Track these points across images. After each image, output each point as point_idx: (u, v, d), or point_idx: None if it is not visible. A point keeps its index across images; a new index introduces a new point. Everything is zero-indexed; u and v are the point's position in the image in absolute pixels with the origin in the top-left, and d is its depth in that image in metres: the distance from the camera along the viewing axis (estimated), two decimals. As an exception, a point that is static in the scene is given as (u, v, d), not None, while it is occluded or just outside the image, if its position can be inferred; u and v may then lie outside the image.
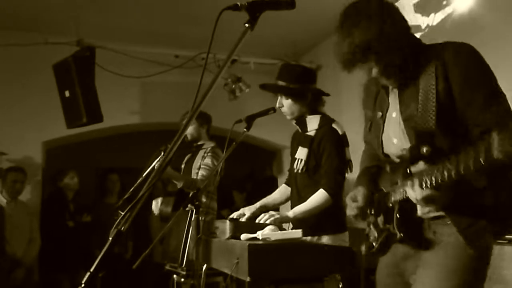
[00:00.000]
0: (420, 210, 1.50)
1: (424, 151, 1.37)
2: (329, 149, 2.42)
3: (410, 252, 1.56)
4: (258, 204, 2.62)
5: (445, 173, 1.22)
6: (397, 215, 1.50)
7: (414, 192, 1.35)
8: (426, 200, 1.33)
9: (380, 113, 1.64)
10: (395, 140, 1.58)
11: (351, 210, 1.66)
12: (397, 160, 1.59)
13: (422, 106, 1.44)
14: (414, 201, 1.37)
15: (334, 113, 2.67)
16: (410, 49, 1.46)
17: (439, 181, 1.25)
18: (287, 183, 2.80)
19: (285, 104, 2.52)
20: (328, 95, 2.58)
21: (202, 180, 3.60)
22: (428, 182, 1.29)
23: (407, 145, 1.52)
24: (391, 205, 1.54)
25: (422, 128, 1.42)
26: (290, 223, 2.52)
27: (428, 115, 1.42)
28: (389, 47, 1.41)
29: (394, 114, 1.58)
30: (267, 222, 2.25)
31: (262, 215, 2.32)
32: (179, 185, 3.63)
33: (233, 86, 4.79)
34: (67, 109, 4.35)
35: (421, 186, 1.32)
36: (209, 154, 3.79)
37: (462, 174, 1.16)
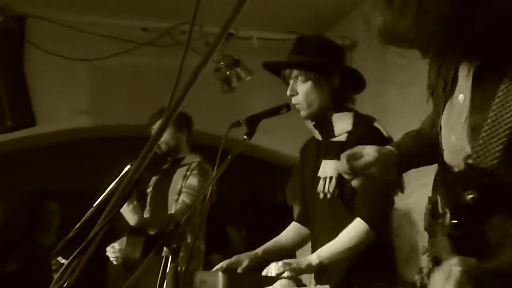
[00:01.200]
0: None
1: (469, 198, 1.36)
2: None
3: None
4: (260, 250, 2.62)
5: None
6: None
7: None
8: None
9: (443, 84, 1.61)
10: (454, 137, 1.56)
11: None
12: (455, 169, 1.58)
13: (491, 126, 1.39)
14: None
15: (376, 112, 2.68)
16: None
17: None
18: (299, 220, 2.80)
19: (301, 90, 2.54)
20: (362, 79, 2.59)
21: (183, 211, 3.62)
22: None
23: (469, 151, 1.50)
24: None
25: (479, 163, 1.39)
26: (314, 275, 2.51)
27: (494, 143, 1.38)
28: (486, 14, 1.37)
29: (461, 96, 1.56)
30: (279, 271, 2.24)
31: (273, 264, 2.31)
32: (152, 231, 3.65)
33: (228, 72, 4.79)
34: (-15, 107, 4.35)
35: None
36: (194, 172, 3.81)
37: None
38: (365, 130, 2.48)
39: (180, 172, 3.87)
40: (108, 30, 4.94)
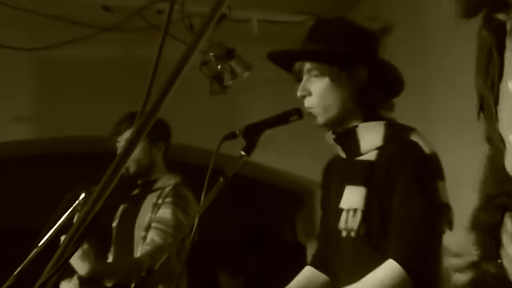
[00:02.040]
0: None
1: None
2: (406, 181, 2.42)
3: None
4: None
5: None
6: None
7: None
8: None
9: (490, 83, 1.66)
10: (511, 136, 1.59)
11: None
12: None
13: None
14: None
15: (419, 120, 2.68)
16: None
17: None
18: (316, 264, 2.81)
19: (315, 89, 2.54)
20: (398, 77, 2.59)
21: (152, 254, 3.61)
22: None
23: None
24: None
25: None
26: None
27: None
28: None
29: (510, 84, 1.61)
30: None
31: None
32: (110, 282, 3.63)
33: (219, 66, 4.80)
34: None
35: None
36: (167, 199, 3.79)
37: None
38: (399, 145, 2.46)
39: (150, 199, 3.84)
40: (58, 9, 4.94)
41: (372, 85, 2.54)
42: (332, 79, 2.52)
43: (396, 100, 2.66)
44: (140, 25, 4.91)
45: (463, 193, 3.00)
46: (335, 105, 2.53)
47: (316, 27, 2.61)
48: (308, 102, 2.55)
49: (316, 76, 2.54)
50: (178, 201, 3.79)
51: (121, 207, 4.02)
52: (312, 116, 2.57)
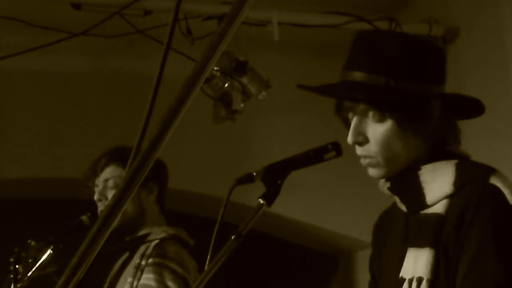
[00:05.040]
0: None
1: None
2: (480, 239, 2.41)
3: None
4: None
5: None
6: None
7: None
8: None
9: None
10: None
11: None
12: None
13: None
14: None
15: (499, 155, 2.69)
16: None
17: None
18: None
19: (375, 135, 2.50)
20: (480, 107, 2.61)
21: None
22: None
23: None
24: None
25: None
26: None
27: None
28: None
29: None
30: None
31: None
32: None
33: (227, 84, 4.83)
34: None
35: None
36: (151, 260, 3.71)
37: None
38: (474, 192, 2.45)
39: (134, 260, 3.77)
40: (11, 8, 5.00)
41: (445, 119, 2.56)
42: (399, 123, 2.51)
43: (464, 125, 2.67)
44: (120, 29, 4.94)
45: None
46: (404, 154, 2.52)
47: (364, 44, 2.60)
48: (364, 151, 2.52)
49: (375, 118, 2.52)
50: (164, 262, 3.71)
51: (114, 269, 3.97)
52: (368, 165, 2.55)
